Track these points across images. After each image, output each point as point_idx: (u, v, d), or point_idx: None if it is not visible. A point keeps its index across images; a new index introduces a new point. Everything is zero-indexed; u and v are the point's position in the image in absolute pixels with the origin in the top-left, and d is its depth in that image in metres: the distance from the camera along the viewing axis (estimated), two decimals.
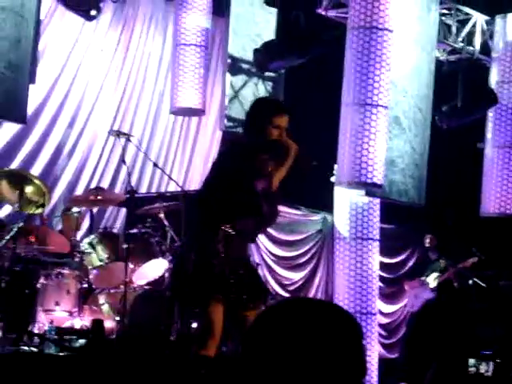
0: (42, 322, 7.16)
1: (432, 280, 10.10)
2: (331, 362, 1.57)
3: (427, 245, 10.29)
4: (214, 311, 4.55)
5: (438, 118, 10.44)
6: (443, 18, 10.88)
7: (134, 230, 7.77)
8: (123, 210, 9.77)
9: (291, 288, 10.55)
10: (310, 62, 9.62)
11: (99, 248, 7.83)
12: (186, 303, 4.93)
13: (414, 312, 10.13)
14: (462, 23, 11.12)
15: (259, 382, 1.59)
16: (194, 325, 7.07)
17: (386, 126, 9.24)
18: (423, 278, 10.23)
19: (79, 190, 9.54)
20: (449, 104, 10.57)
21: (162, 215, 8.00)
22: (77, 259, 7.76)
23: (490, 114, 10.90)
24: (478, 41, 11.19)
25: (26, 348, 6.56)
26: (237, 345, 4.99)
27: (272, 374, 1.57)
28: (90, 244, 7.82)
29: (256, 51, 9.43)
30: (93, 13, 8.57)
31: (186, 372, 4.59)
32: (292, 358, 1.56)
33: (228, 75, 10.57)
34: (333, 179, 9.45)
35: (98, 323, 6.51)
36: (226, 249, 4.67)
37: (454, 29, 11.06)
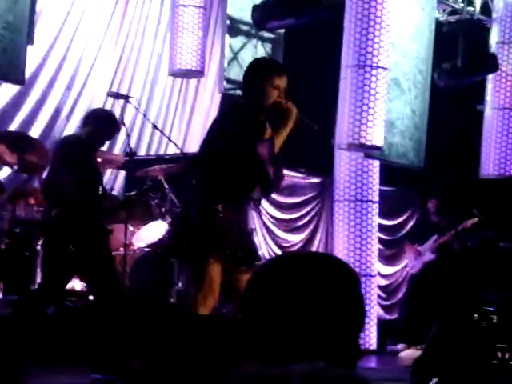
0: None
1: (432, 241, 10.11)
2: (330, 313, 1.58)
3: (431, 209, 10.27)
4: (213, 268, 4.55)
5: (437, 76, 10.39)
6: None
7: (133, 192, 7.77)
8: (122, 173, 9.76)
9: (291, 250, 10.57)
10: (309, 23, 9.55)
11: None
12: (184, 258, 4.92)
13: (414, 273, 10.17)
14: None
15: (259, 339, 1.59)
16: None
17: (386, 88, 9.20)
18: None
19: None
20: (449, 63, 10.53)
21: (161, 178, 8.00)
22: None
23: (490, 76, 10.85)
24: (478, 1, 11.11)
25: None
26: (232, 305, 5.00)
27: (271, 330, 1.58)
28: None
29: (254, 9, 9.36)
30: None
31: (180, 331, 4.58)
32: (290, 312, 1.57)
33: (227, 37, 10.51)
34: (332, 142, 9.43)
35: None
36: (225, 210, 4.66)
37: None
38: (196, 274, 4.67)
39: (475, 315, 3.06)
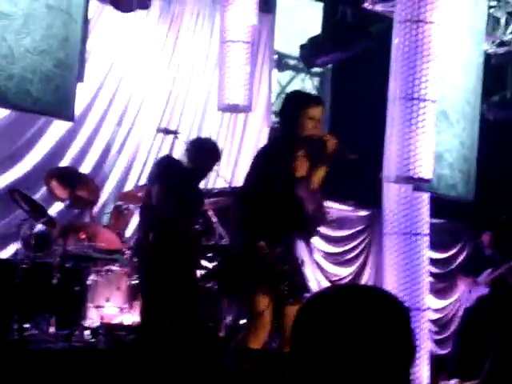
0: (93, 319, 7.24)
1: (486, 275, 9.98)
2: (380, 348, 1.56)
3: (485, 243, 10.16)
4: (262, 302, 4.54)
5: (486, 109, 10.33)
6: (491, 10, 10.75)
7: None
8: None
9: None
10: (356, 56, 9.57)
11: None
12: (233, 294, 4.94)
13: (468, 307, 10.04)
14: (511, 15, 10.98)
15: (307, 374, 1.58)
16: (243, 321, 7.08)
17: (434, 120, 9.16)
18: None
19: (128, 188, 9.61)
20: (498, 95, 10.47)
21: (210, 212, 8.02)
22: (126, 255, 7.81)
23: None
24: None
25: (77, 344, 6.62)
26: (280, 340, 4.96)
27: (320, 365, 1.56)
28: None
29: (302, 47, 9.41)
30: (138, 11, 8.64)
31: (230, 366, 4.59)
32: (339, 346, 1.55)
33: (275, 71, 10.58)
34: (380, 175, 9.40)
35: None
36: (271, 245, 4.65)
37: (502, 21, 10.93)
38: (246, 309, 4.68)
39: None
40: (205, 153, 6.15)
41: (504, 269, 9.93)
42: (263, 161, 4.76)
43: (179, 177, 6.00)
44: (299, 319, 1.63)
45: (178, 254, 5.71)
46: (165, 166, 6.18)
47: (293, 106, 4.84)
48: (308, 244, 5.22)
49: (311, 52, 9.38)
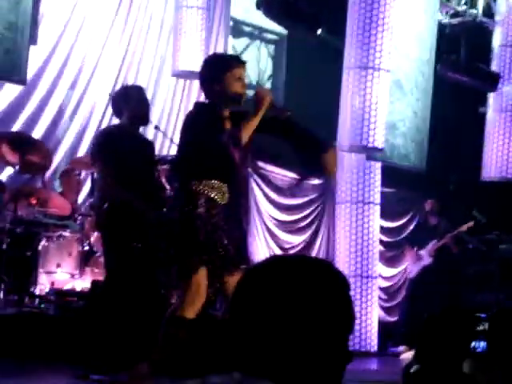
0: (44, 284, 7.22)
1: (431, 246, 10.13)
2: (318, 316, 1.59)
3: (428, 210, 10.31)
4: (198, 273, 4.57)
5: (439, 67, 10.33)
6: None
7: None
8: None
9: (292, 252, 10.59)
10: (313, 24, 9.56)
11: None
12: (173, 265, 4.95)
13: (412, 278, 10.20)
14: None
15: (246, 341, 1.61)
16: None
17: (388, 90, 9.22)
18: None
19: (81, 153, 9.54)
20: (454, 56, 10.52)
21: (163, 179, 7.99)
22: (78, 222, 7.78)
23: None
24: (480, 4, 11.13)
25: (27, 309, 6.60)
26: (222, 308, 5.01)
27: (258, 333, 1.59)
28: (92, 206, 7.84)
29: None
30: None
31: (167, 334, 4.61)
32: (278, 315, 1.59)
33: (230, 38, 10.54)
34: (334, 143, 9.45)
35: (97, 285, 6.55)
36: (208, 214, 4.68)
37: None
38: (182, 279, 4.70)
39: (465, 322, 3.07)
40: (127, 99, 5.99)
41: (448, 239, 10.08)
42: (193, 128, 4.78)
43: (124, 147, 5.87)
44: (238, 289, 1.66)
45: (133, 224, 5.68)
46: (106, 142, 6.00)
47: (218, 68, 4.83)
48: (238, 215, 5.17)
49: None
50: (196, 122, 4.77)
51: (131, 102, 5.94)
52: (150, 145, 6.31)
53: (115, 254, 5.77)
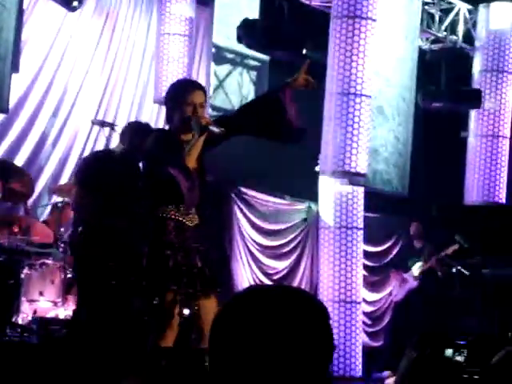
0: (26, 313, 7.17)
1: (416, 269, 10.15)
2: (299, 347, 1.61)
3: (412, 233, 10.34)
4: (171, 302, 4.59)
5: (420, 98, 10.43)
6: (426, 6, 10.91)
7: None
8: None
9: (276, 277, 10.58)
10: (295, 51, 9.62)
11: None
12: (145, 296, 4.96)
13: (397, 301, 10.20)
14: (445, 12, 11.16)
15: (226, 372, 1.62)
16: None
17: (370, 115, 9.27)
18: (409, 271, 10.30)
19: (63, 180, 9.52)
20: (433, 86, 10.63)
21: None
22: (61, 249, 7.75)
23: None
24: (461, 30, 11.24)
25: (8, 339, 6.55)
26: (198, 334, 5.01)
27: (239, 364, 1.60)
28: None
29: (239, 27, 9.43)
30: (75, 3, 8.56)
31: (148, 364, 4.63)
32: (258, 346, 1.60)
33: (212, 64, 10.58)
34: (317, 168, 9.48)
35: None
36: (179, 239, 4.69)
37: (437, 18, 11.10)
38: (156, 308, 4.72)
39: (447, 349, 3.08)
40: (135, 133, 6.06)
41: (433, 262, 10.10)
42: (150, 156, 4.83)
43: (107, 176, 5.90)
44: (217, 321, 1.67)
45: (106, 251, 5.68)
46: (87, 167, 6.04)
47: (172, 95, 4.90)
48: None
49: (247, 32, 9.38)
50: (149, 150, 4.83)
51: (139, 136, 6.02)
52: (136, 174, 6.31)
53: (87, 279, 5.78)
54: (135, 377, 4.67)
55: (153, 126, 10.71)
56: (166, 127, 5.20)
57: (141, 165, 5.42)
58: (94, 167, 5.99)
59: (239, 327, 1.62)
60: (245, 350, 1.60)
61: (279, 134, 5.15)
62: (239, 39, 9.41)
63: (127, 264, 5.76)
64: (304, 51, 9.34)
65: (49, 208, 8.79)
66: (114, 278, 5.73)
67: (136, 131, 6.09)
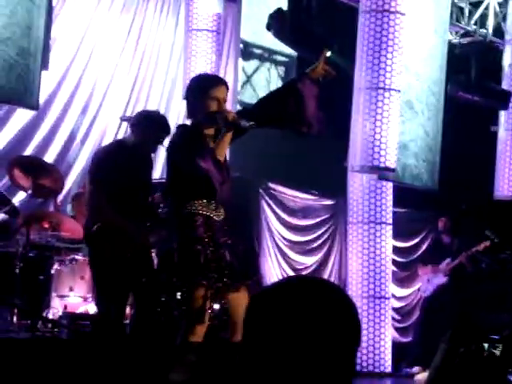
0: (56, 308, 7.23)
1: (445, 264, 10.09)
2: (328, 338, 1.63)
3: (441, 228, 10.28)
4: (201, 297, 4.59)
5: (450, 87, 10.34)
6: (456, 0, 10.84)
7: None
8: None
9: (304, 273, 10.56)
10: (323, 46, 9.58)
11: None
12: (175, 291, 4.97)
13: (426, 297, 10.14)
14: (475, 6, 11.08)
15: (258, 363, 1.63)
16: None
17: (399, 110, 9.23)
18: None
19: None
20: (463, 75, 10.55)
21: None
22: None
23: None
24: (490, 23, 11.15)
25: (40, 334, 6.60)
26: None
27: (270, 355, 1.62)
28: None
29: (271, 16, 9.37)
30: None
31: (176, 359, 4.63)
32: (288, 337, 1.62)
33: (240, 60, 10.58)
34: (346, 164, 9.45)
35: None
36: (208, 233, 4.69)
37: (466, 11, 11.03)
38: (185, 304, 4.72)
39: (481, 344, 3.06)
40: (149, 123, 5.98)
41: (462, 257, 10.03)
42: (176, 151, 4.81)
43: (118, 165, 5.84)
44: (249, 313, 1.69)
45: (122, 246, 5.68)
46: (98, 161, 5.98)
47: (195, 89, 4.88)
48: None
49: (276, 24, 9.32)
50: (178, 145, 4.81)
51: (153, 126, 5.96)
52: (148, 166, 6.24)
53: (103, 276, 5.79)
54: (181, 367, 4.67)
55: (181, 122, 10.77)
56: (187, 122, 5.20)
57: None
58: (106, 160, 5.94)
59: (269, 319, 1.65)
60: (276, 341, 1.63)
61: (295, 126, 5.14)
62: (268, 27, 9.33)
63: (143, 258, 5.78)
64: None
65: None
66: (133, 271, 5.73)
67: (148, 121, 6.00)
